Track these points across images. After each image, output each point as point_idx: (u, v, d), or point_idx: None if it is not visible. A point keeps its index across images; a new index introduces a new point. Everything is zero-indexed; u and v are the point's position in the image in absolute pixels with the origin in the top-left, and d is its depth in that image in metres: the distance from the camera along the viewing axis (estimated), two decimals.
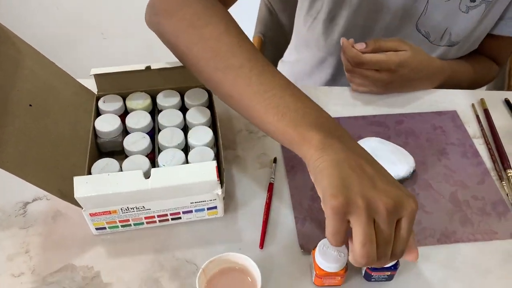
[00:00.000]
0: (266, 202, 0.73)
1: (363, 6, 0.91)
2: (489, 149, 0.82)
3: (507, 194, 0.75)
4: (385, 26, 0.94)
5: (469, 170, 0.79)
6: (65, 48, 2.07)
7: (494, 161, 0.80)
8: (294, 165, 0.79)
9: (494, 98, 0.91)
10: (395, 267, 0.61)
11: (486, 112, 0.89)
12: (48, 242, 0.68)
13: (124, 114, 0.80)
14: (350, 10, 0.92)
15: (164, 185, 0.62)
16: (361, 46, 0.84)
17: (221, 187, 0.66)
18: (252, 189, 0.76)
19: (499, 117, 0.87)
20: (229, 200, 0.74)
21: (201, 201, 0.67)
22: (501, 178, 0.77)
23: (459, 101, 0.91)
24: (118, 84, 0.80)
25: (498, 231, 0.71)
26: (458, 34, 0.94)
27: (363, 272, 0.64)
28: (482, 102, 0.91)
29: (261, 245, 0.69)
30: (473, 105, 0.91)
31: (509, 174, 0.77)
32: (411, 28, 0.94)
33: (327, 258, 0.60)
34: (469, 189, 0.77)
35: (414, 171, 0.76)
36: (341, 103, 0.90)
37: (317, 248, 0.61)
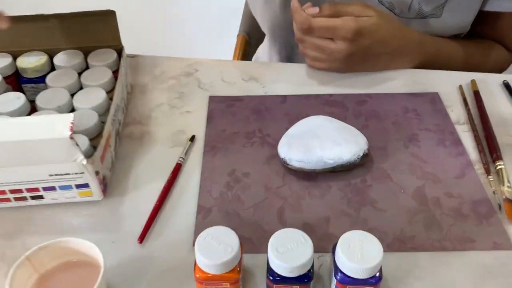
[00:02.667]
0: (164, 186, 0.56)
1: None
2: (476, 137, 0.63)
3: (494, 192, 0.55)
4: None
5: (445, 161, 0.60)
6: None
7: (480, 151, 0.60)
8: (215, 145, 0.62)
9: (490, 81, 0.72)
10: None
11: (477, 94, 0.69)
12: None
13: (15, 74, 0.65)
14: None
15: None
16: (314, 10, 0.67)
17: (90, 157, 0.49)
18: (154, 170, 0.58)
19: (494, 103, 0.68)
20: (121, 181, 0.57)
21: (63, 174, 0.50)
22: (487, 172, 0.57)
23: (443, 83, 0.72)
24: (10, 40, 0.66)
25: (476, 239, 0.51)
26: (429, 1, 0.74)
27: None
28: (472, 83, 0.71)
29: (141, 238, 0.51)
30: (460, 86, 0.71)
31: (498, 167, 0.58)
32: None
33: (209, 254, 0.42)
34: (441, 184, 0.57)
35: (365, 155, 0.57)
36: (295, 81, 0.73)
37: (197, 240, 0.43)
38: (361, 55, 0.69)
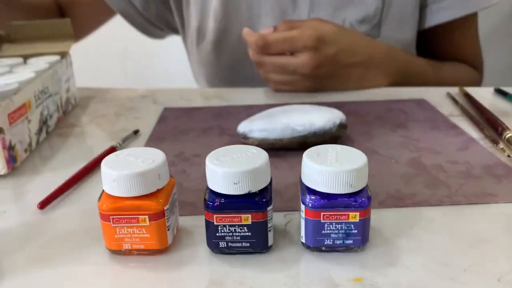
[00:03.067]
0: (89, 163, 0.44)
1: (234, 17, 0.74)
2: (473, 120, 0.53)
3: (509, 155, 0.44)
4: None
5: (443, 139, 0.48)
6: None
7: (481, 129, 0.50)
8: (163, 136, 0.51)
9: (481, 92, 0.64)
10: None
11: (467, 96, 0.61)
12: None
13: None
14: (219, 23, 0.75)
15: None
16: (267, 30, 0.62)
17: None
18: (82, 157, 0.47)
19: (489, 105, 0.59)
20: (37, 165, 0.45)
21: None
22: (495, 142, 0.46)
23: (428, 95, 0.64)
24: None
25: (497, 194, 0.38)
26: (363, 22, 0.71)
27: None
28: (461, 90, 0.64)
29: (42, 204, 0.37)
30: (448, 93, 0.64)
31: (508, 135, 0.47)
32: None
33: (120, 166, 0.29)
34: (442, 155, 0.45)
35: (343, 125, 0.46)
36: (263, 99, 0.64)
37: (105, 158, 0.31)
38: (329, 66, 0.62)
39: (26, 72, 0.51)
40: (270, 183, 0.31)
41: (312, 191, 0.30)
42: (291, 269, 0.30)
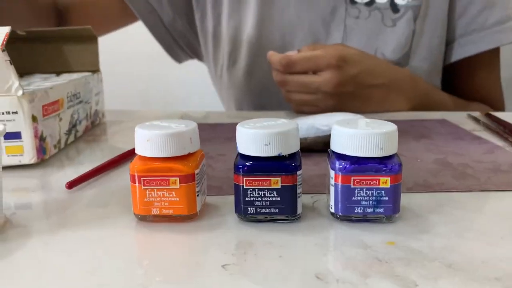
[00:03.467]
0: (124, 152, 0.44)
1: (268, 43, 0.77)
2: (497, 132, 0.53)
3: None
4: None
5: (467, 146, 0.48)
6: None
7: (505, 138, 0.50)
8: None
9: (502, 115, 0.64)
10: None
11: (489, 115, 0.61)
12: None
13: None
14: (252, 49, 0.78)
15: None
16: (292, 52, 0.64)
17: (20, 88, 0.40)
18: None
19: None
20: (65, 164, 0.46)
21: None
22: None
23: (450, 117, 0.64)
24: None
25: None
26: (394, 51, 0.73)
27: None
28: (481, 112, 0.64)
29: (70, 184, 0.37)
30: (469, 115, 0.64)
31: None
32: None
33: (154, 128, 0.30)
34: (467, 156, 0.45)
35: None
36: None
37: (139, 125, 0.31)
38: (351, 86, 0.63)
39: (59, 79, 0.53)
40: (300, 154, 0.32)
41: (342, 157, 0.30)
42: (322, 234, 0.29)
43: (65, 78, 0.55)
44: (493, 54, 0.78)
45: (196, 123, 0.32)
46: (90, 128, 0.58)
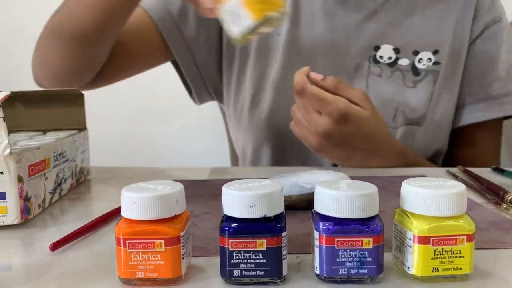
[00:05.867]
0: (108, 212, 0.44)
1: (292, 89, 0.79)
2: (474, 189, 0.54)
3: None
4: None
5: None
6: None
7: (483, 195, 0.51)
8: None
9: (478, 170, 0.66)
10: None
11: (467, 171, 0.63)
12: None
13: None
14: (276, 93, 0.80)
15: None
16: (317, 76, 0.65)
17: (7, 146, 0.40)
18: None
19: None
20: (47, 222, 0.46)
21: None
22: (498, 204, 0.47)
23: (429, 173, 0.65)
24: None
25: (506, 242, 0.38)
26: (413, 110, 0.77)
27: None
28: (459, 168, 0.66)
29: (54, 245, 0.37)
30: (448, 171, 0.65)
31: (511, 197, 0.48)
32: None
33: (140, 191, 0.30)
34: None
35: None
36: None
37: (125, 187, 0.32)
38: (339, 140, 0.65)
39: (46, 138, 0.54)
40: (284, 215, 0.32)
41: (325, 218, 0.31)
42: None
43: (51, 136, 0.56)
44: (496, 126, 0.83)
45: (182, 184, 0.33)
46: (75, 186, 0.58)
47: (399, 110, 0.78)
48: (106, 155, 1.36)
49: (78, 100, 0.63)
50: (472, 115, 0.81)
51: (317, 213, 0.31)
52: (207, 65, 0.85)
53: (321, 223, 0.30)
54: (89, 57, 0.74)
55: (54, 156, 0.50)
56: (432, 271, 0.30)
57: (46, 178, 0.48)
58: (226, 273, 0.30)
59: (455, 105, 0.81)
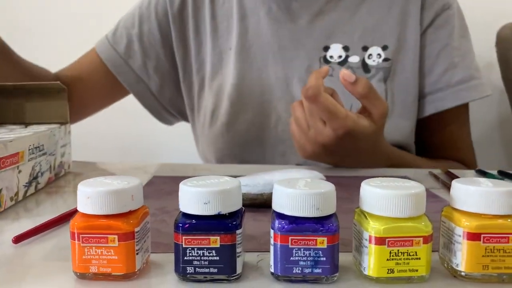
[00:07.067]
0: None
1: (247, 101, 0.79)
2: None
3: None
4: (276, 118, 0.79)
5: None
6: None
7: None
8: (147, 195, 0.52)
9: (462, 173, 0.66)
10: None
11: (449, 173, 0.63)
12: None
13: None
14: (232, 106, 0.80)
15: None
16: (350, 77, 0.61)
17: None
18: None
19: None
20: (29, 209, 0.46)
21: None
22: None
23: (412, 174, 0.65)
24: None
25: None
26: None
27: None
28: (442, 170, 0.65)
29: (17, 238, 0.37)
30: (430, 172, 0.65)
31: None
32: None
33: (96, 185, 0.30)
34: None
35: None
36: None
37: (82, 181, 0.32)
38: (332, 150, 0.63)
39: (24, 131, 0.54)
40: (243, 213, 0.32)
41: (281, 216, 0.30)
42: None
43: (30, 130, 0.56)
44: (461, 110, 0.82)
45: (140, 180, 0.32)
46: (53, 179, 0.58)
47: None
48: (103, 150, 1.37)
49: (60, 94, 0.63)
50: (433, 105, 0.79)
51: (274, 211, 0.31)
52: (164, 91, 0.88)
53: (276, 221, 0.30)
54: None
55: (29, 149, 0.50)
56: (388, 272, 0.30)
57: (20, 171, 0.48)
58: (179, 270, 0.30)
59: (416, 97, 0.79)
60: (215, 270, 0.30)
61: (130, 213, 0.31)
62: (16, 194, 0.48)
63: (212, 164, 0.75)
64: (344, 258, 0.33)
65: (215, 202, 0.29)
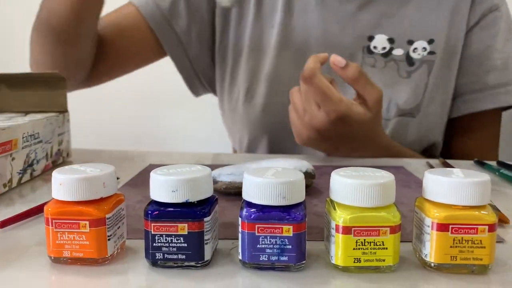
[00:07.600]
0: None
1: (286, 83, 0.77)
2: None
3: None
4: None
5: (411, 195, 0.48)
6: None
7: None
8: (136, 182, 0.52)
9: (460, 163, 0.65)
10: None
11: (446, 164, 0.62)
12: None
13: None
14: (270, 88, 0.80)
15: None
16: (340, 62, 0.61)
17: None
18: None
19: None
20: (23, 196, 0.47)
21: None
22: None
23: (409, 164, 0.65)
24: None
25: None
26: (407, 102, 0.76)
27: None
28: (440, 160, 0.65)
29: (3, 223, 0.38)
30: (428, 162, 0.64)
31: None
32: None
33: (68, 172, 0.31)
34: (406, 205, 0.45)
35: (311, 175, 0.48)
36: None
37: (57, 169, 0.32)
38: (328, 136, 0.63)
39: (21, 120, 0.55)
40: (215, 201, 0.32)
41: (249, 205, 0.31)
42: (224, 281, 0.30)
43: (27, 118, 0.57)
44: (495, 114, 0.81)
45: (113, 167, 0.33)
46: (51, 167, 0.59)
47: (392, 101, 0.76)
48: (114, 139, 1.39)
49: (60, 83, 0.64)
50: (468, 105, 0.79)
51: (243, 200, 0.32)
52: (200, 59, 0.86)
53: (244, 210, 0.30)
54: (70, 54, 0.76)
55: (23, 137, 0.51)
56: (354, 262, 0.30)
57: (13, 159, 0.50)
58: (149, 256, 0.31)
59: (451, 96, 0.79)
60: (183, 257, 0.31)
61: (101, 200, 0.31)
62: (10, 181, 0.49)
63: (212, 153, 0.76)
64: (317, 246, 0.33)
65: (183, 190, 0.30)
